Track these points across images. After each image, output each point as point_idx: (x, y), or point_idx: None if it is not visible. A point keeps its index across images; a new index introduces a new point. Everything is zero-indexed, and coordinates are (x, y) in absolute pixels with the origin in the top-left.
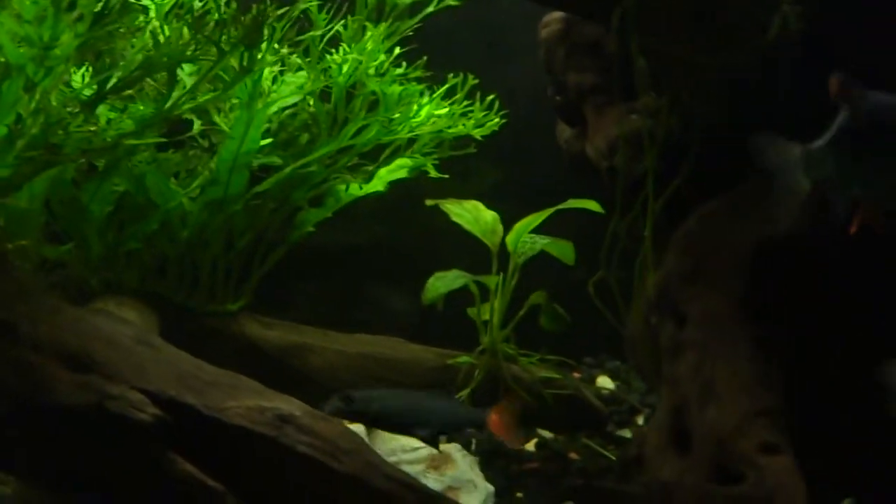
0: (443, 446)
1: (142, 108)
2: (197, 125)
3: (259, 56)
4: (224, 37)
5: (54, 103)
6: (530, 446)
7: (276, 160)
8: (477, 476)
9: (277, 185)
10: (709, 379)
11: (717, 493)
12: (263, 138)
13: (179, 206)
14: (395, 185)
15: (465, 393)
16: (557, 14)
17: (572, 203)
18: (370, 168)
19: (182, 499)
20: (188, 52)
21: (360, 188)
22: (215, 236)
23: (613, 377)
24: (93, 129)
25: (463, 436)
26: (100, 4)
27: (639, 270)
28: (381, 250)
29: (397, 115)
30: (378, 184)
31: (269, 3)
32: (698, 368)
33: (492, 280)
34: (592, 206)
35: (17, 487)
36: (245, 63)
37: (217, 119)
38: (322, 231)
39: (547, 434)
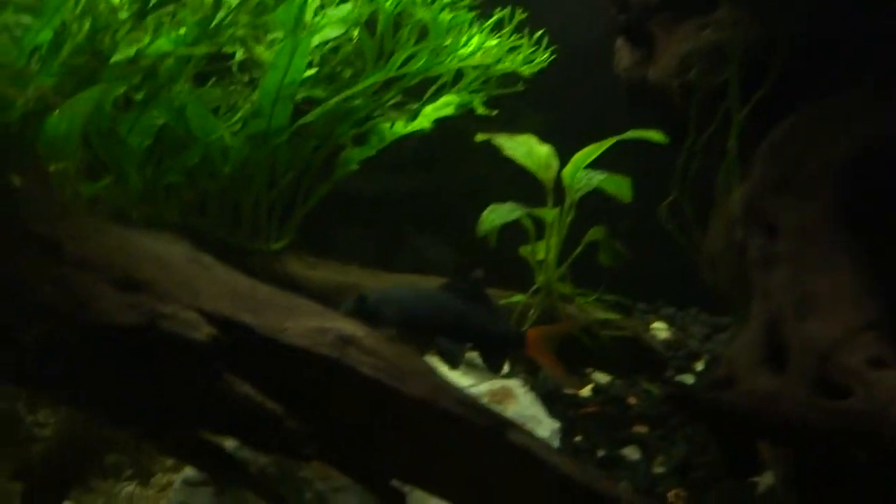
0: (504, 381)
1: (183, 31)
2: (239, 53)
3: None
4: None
5: (102, 7)
6: (586, 391)
7: (319, 93)
8: (540, 412)
9: (321, 120)
10: (808, 291)
11: (826, 407)
12: (307, 70)
13: (221, 139)
14: (438, 128)
15: None
16: None
17: (634, 133)
18: (415, 106)
19: (239, 421)
20: None
21: (405, 126)
22: (258, 172)
23: (669, 323)
24: (141, 37)
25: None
26: None
27: (721, 185)
28: (422, 196)
29: (447, 44)
30: (423, 121)
31: None
32: (794, 280)
33: (549, 213)
34: (655, 136)
35: (59, 425)
36: None
37: (259, 50)
38: (363, 176)
39: (602, 378)
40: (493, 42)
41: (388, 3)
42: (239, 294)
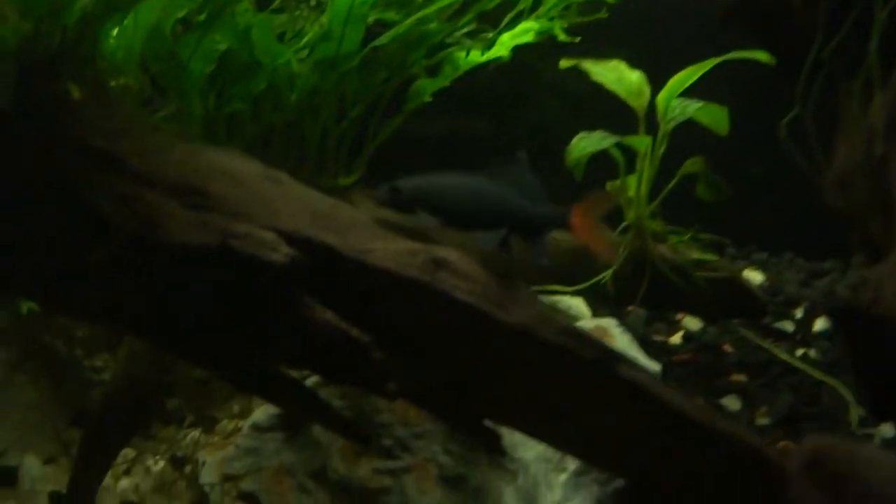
0: (599, 320)
1: None
2: None
3: None
4: None
5: None
6: (677, 338)
7: (392, 15)
8: (638, 354)
9: (392, 46)
10: None
11: None
12: None
13: (287, 65)
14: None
15: (607, 275)
16: None
17: (737, 54)
18: (490, 34)
19: (321, 349)
20: None
21: (482, 54)
22: (326, 101)
23: (761, 269)
24: None
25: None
26: None
27: (856, 95)
28: (489, 138)
29: None
30: (501, 49)
31: None
32: None
33: (642, 142)
34: (761, 56)
35: (119, 367)
36: None
37: None
38: (428, 117)
39: (693, 324)
40: None
41: None
42: (319, 213)
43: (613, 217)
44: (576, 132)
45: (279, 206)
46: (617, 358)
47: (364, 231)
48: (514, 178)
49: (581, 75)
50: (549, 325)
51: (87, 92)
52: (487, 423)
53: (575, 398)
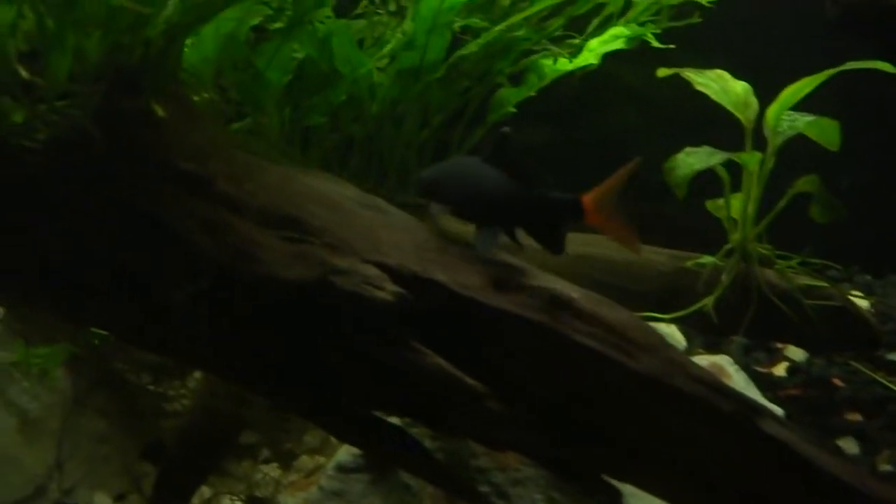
0: (715, 357)
1: None
2: None
3: None
4: None
5: None
6: (780, 370)
7: (477, 21)
8: (756, 394)
9: (477, 55)
10: None
11: None
12: None
13: (368, 75)
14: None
15: (709, 302)
16: None
17: (855, 64)
18: (577, 40)
19: (430, 399)
20: None
21: (570, 61)
22: (408, 113)
23: (866, 293)
24: None
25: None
26: None
27: None
28: (564, 151)
29: None
30: (590, 56)
31: None
32: None
33: (752, 159)
34: (884, 66)
35: (197, 399)
36: None
37: None
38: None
39: (796, 354)
40: None
41: None
42: (425, 245)
43: (717, 239)
44: (651, 139)
45: (382, 238)
46: (758, 410)
47: (476, 266)
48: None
49: (657, 81)
50: (682, 373)
51: (171, 109)
52: (606, 477)
53: (708, 455)
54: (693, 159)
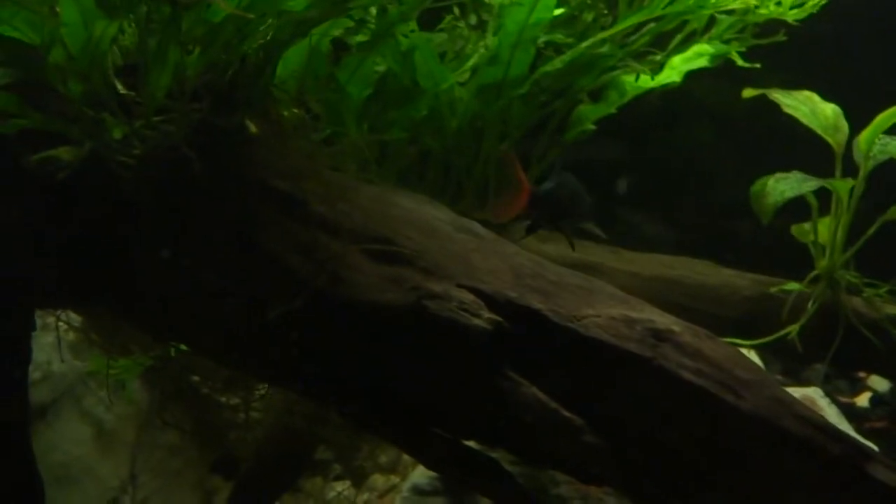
0: (806, 389)
1: None
2: None
3: None
4: None
5: None
6: (862, 400)
7: (561, 38)
8: (849, 429)
9: (560, 70)
10: None
11: None
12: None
13: (449, 90)
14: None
15: (794, 329)
16: None
17: None
18: (659, 56)
19: (525, 432)
20: None
21: (652, 79)
22: (488, 129)
23: None
24: None
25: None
26: None
27: None
28: (635, 166)
29: None
30: (673, 73)
31: None
32: None
33: (845, 186)
34: None
35: (275, 416)
36: None
37: None
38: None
39: (880, 385)
40: None
41: None
42: (522, 271)
43: (803, 267)
44: (725, 156)
45: (477, 263)
46: (867, 454)
47: (573, 293)
48: None
49: (733, 98)
50: (789, 413)
51: (264, 126)
52: None
53: (814, 499)
54: (784, 186)
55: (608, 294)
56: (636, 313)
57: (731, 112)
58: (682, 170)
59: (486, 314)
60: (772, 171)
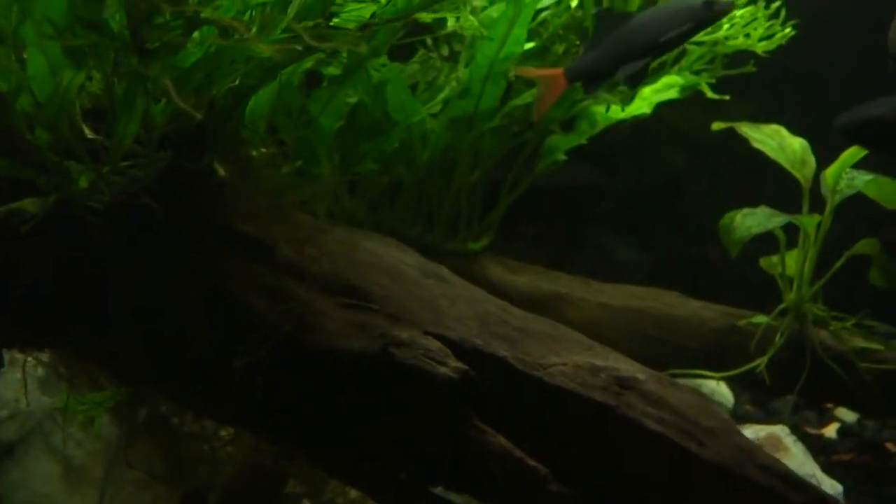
0: (773, 427)
1: None
2: (451, 20)
3: None
4: None
5: None
6: (830, 430)
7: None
8: (816, 469)
9: (531, 102)
10: None
11: None
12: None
13: (421, 123)
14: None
15: (762, 362)
16: None
17: None
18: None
19: (487, 480)
20: None
21: (622, 110)
22: (460, 160)
23: None
24: None
25: None
26: None
27: None
28: (609, 191)
29: None
30: (643, 105)
31: None
32: None
33: (811, 221)
34: None
35: (240, 456)
36: None
37: (470, 19)
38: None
39: (848, 415)
40: (747, 10)
41: None
42: (489, 318)
43: (774, 292)
44: (697, 181)
45: (444, 308)
46: (827, 502)
47: (538, 339)
48: None
49: (705, 125)
50: (752, 462)
51: (232, 168)
52: None
53: None
54: (751, 222)
55: (573, 341)
56: (601, 361)
57: (704, 137)
58: (654, 194)
59: (452, 362)
60: (744, 196)
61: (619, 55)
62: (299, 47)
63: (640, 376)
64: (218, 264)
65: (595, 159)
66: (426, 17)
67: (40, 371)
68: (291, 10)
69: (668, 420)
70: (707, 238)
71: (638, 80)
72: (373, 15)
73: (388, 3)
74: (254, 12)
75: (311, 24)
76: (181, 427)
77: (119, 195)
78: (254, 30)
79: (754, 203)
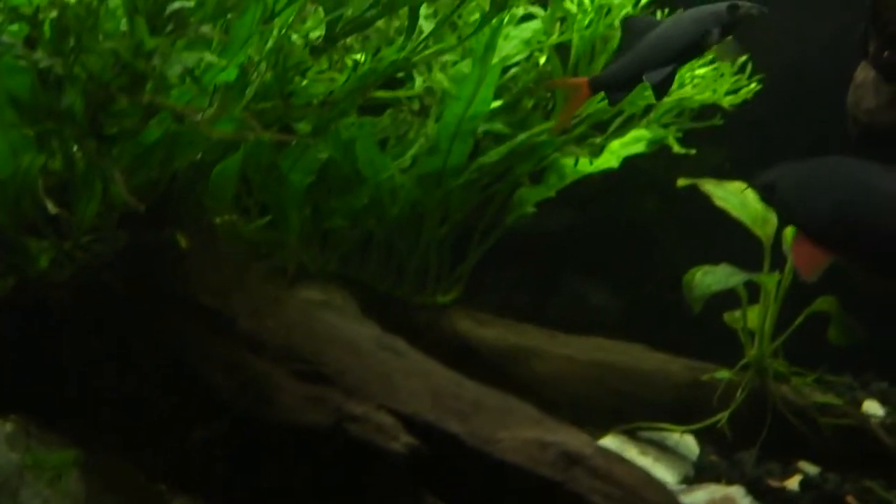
0: (728, 489)
1: (360, 57)
2: (419, 83)
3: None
4: None
5: (297, 41)
6: (793, 483)
7: (501, 127)
8: None
9: (499, 158)
10: None
11: None
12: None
13: (390, 178)
14: None
15: (724, 417)
16: None
17: None
18: (599, 140)
19: None
20: None
21: (591, 163)
22: (429, 216)
23: (882, 401)
24: (334, 75)
25: None
26: None
27: None
28: (582, 236)
29: None
30: (611, 158)
31: None
32: None
33: (771, 280)
34: None
35: None
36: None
37: (439, 76)
38: None
39: (810, 468)
40: (706, 70)
41: (585, 29)
42: (441, 392)
43: (734, 353)
44: (669, 226)
45: (398, 383)
46: None
47: (490, 414)
48: None
49: (674, 168)
50: None
51: (194, 238)
52: None
53: None
54: (710, 280)
55: (524, 415)
56: (550, 436)
57: (675, 183)
58: (626, 240)
59: (404, 438)
60: (714, 243)
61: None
62: (256, 127)
63: (588, 451)
64: (178, 337)
65: (569, 204)
66: (384, 94)
67: (8, 427)
68: (249, 91)
69: (615, 496)
70: (679, 283)
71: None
72: (331, 93)
73: (348, 78)
74: (215, 92)
75: (269, 105)
76: (148, 486)
77: (80, 271)
78: (211, 110)
79: (724, 250)
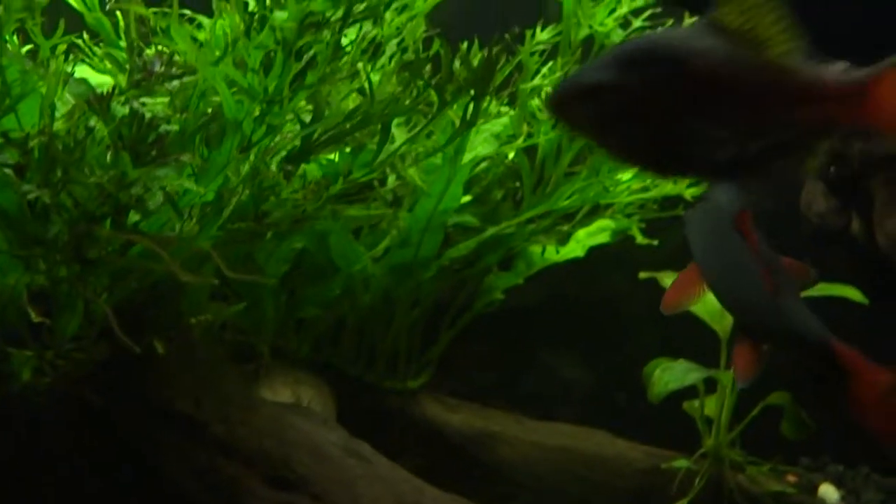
0: None
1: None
2: (391, 180)
3: (483, 106)
4: (449, 85)
5: (272, 167)
6: None
7: (471, 220)
8: None
9: (469, 250)
10: None
11: None
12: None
13: (363, 268)
14: None
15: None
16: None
17: (826, 289)
18: (565, 228)
19: None
20: (406, 102)
21: (557, 252)
22: (400, 303)
23: (837, 485)
24: (306, 193)
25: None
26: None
27: None
28: (553, 312)
29: (626, 177)
30: (576, 248)
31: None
32: None
33: (727, 376)
34: (852, 293)
35: None
36: (468, 116)
37: (411, 172)
38: None
39: None
40: None
41: (551, 132)
42: (404, 499)
43: (690, 442)
44: (641, 302)
45: (362, 489)
46: None
47: None
48: None
49: (647, 245)
50: None
51: (172, 343)
52: None
53: None
54: (668, 377)
55: None
56: None
57: (647, 259)
58: (599, 316)
59: None
60: (681, 318)
61: None
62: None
63: None
64: (153, 444)
65: (542, 278)
66: (355, 211)
67: None
68: (226, 212)
69: None
70: (650, 360)
71: None
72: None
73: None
74: (192, 211)
75: (243, 225)
76: None
77: (61, 378)
78: (190, 224)
79: (689, 326)
